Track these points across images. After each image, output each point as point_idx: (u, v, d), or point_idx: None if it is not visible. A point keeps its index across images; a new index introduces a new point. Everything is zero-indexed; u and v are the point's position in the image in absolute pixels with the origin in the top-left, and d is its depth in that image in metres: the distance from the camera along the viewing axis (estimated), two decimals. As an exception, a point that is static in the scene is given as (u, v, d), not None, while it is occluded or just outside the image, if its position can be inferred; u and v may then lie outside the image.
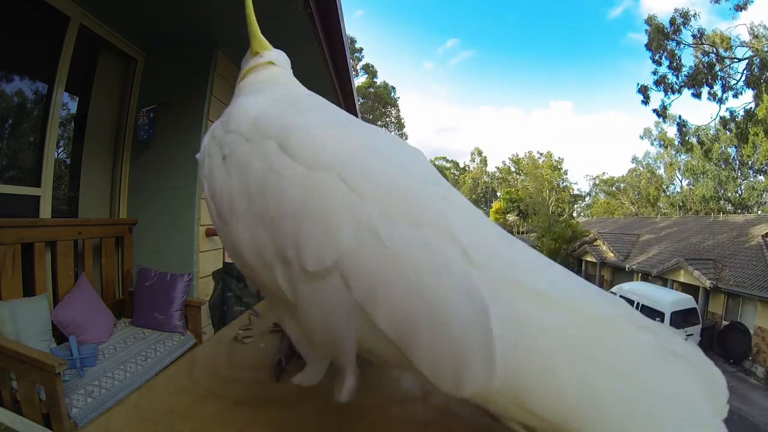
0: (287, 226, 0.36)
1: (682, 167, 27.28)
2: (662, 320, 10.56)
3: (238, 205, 0.41)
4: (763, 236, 12.27)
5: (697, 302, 11.10)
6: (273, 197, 0.38)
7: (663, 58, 16.19)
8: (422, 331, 0.29)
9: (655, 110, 17.19)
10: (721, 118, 16.42)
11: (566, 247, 20.38)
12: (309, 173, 0.37)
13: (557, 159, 36.32)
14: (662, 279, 13.30)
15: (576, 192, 37.92)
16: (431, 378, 0.29)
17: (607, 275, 17.41)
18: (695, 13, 15.61)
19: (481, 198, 42.09)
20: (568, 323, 0.28)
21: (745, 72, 14.92)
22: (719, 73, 15.38)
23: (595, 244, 18.34)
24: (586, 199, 39.38)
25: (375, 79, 30.14)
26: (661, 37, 15.90)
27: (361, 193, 0.34)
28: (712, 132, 18.14)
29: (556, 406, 0.25)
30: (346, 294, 0.32)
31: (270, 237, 0.38)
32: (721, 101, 15.56)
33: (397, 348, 0.30)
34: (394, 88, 31.80)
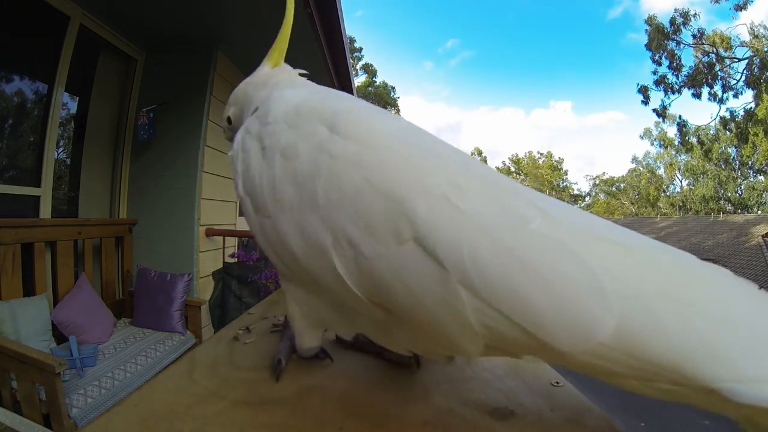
0: (348, 207, 0.35)
1: (682, 167, 27.28)
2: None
3: (284, 193, 0.39)
4: (763, 236, 12.27)
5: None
6: (327, 179, 0.36)
7: (663, 58, 16.20)
8: (522, 289, 0.28)
9: (655, 110, 17.20)
10: (721, 118, 16.43)
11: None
12: (365, 151, 0.36)
13: (557, 159, 36.38)
14: (662, 279, 13.29)
15: (576, 192, 37.96)
16: (540, 336, 0.28)
17: (607, 275, 17.39)
18: (695, 13, 15.63)
19: (481, 198, 41.94)
20: (656, 272, 0.28)
21: (745, 72, 14.92)
22: (719, 73, 15.38)
23: (595, 244, 18.29)
24: (586, 199, 39.38)
25: (375, 79, 30.16)
26: (661, 37, 15.91)
27: (423, 166, 0.34)
28: (712, 132, 18.16)
29: (668, 351, 0.25)
30: (430, 264, 0.31)
31: (324, 221, 0.36)
32: (721, 101, 15.56)
33: (492, 309, 0.29)
34: (393, 88, 31.77)
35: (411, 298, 0.32)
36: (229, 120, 0.60)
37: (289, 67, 0.60)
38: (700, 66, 15.75)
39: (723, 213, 19.96)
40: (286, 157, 0.40)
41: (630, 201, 34.01)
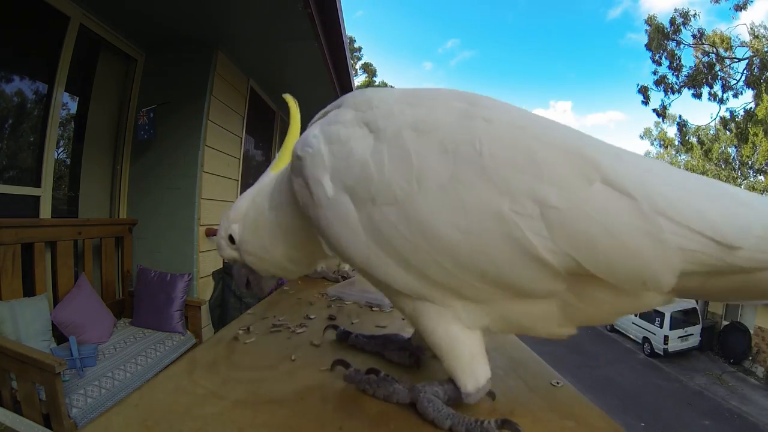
0: (525, 162, 0.34)
1: (682, 167, 27.29)
2: (662, 320, 10.56)
3: (427, 168, 0.36)
4: (763, 236, 12.24)
5: (697, 302, 11.09)
6: (490, 141, 0.35)
7: (663, 58, 16.16)
8: (701, 207, 0.34)
9: (655, 110, 17.18)
10: (721, 118, 16.41)
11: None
12: (522, 118, 0.38)
13: (557, 159, 36.21)
14: (662, 279, 13.27)
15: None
16: (723, 240, 0.33)
17: (607, 275, 17.35)
18: (695, 13, 15.60)
19: (481, 198, 41.89)
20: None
21: (745, 72, 14.90)
22: (719, 73, 15.36)
23: (595, 244, 18.25)
24: (586, 199, 39.20)
25: (374, 78, 30.16)
26: (661, 37, 15.88)
27: (570, 130, 0.38)
28: (712, 132, 18.14)
29: None
30: (622, 198, 0.33)
31: (495, 184, 0.34)
32: (721, 101, 15.54)
33: (684, 227, 0.33)
34: (393, 88, 31.79)
35: (611, 238, 0.33)
36: (231, 239, 0.55)
37: None
38: (700, 66, 15.72)
39: (723, 213, 19.81)
40: (422, 131, 0.37)
41: (630, 201, 33.88)
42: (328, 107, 0.48)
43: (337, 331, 0.64)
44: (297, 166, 0.44)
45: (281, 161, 0.55)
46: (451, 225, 0.35)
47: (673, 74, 16.14)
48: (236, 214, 0.54)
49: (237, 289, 3.12)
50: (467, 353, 0.40)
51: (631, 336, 11.98)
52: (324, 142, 0.41)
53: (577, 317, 0.39)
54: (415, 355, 0.55)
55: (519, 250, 0.34)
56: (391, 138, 0.38)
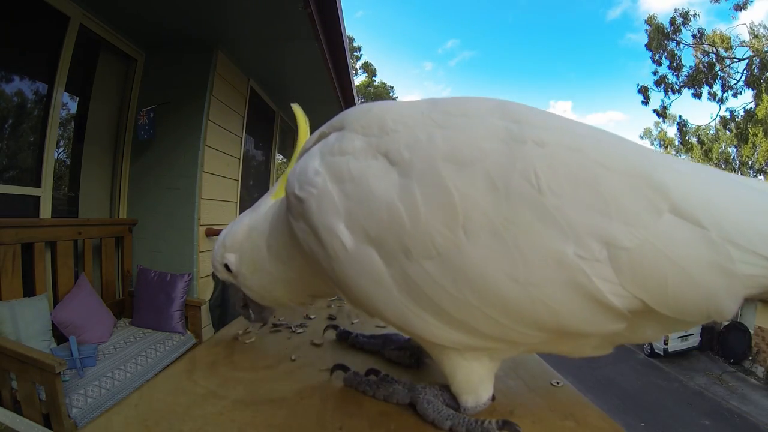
0: (589, 195, 0.30)
1: (682, 167, 27.17)
2: (662, 320, 10.56)
3: (474, 209, 0.30)
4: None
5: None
6: (548, 169, 0.30)
7: (663, 58, 16.19)
8: (762, 226, 0.31)
9: (655, 110, 17.22)
10: (721, 118, 16.43)
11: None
12: (577, 137, 0.33)
13: (557, 159, 36.20)
14: (662, 279, 13.27)
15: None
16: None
17: (607, 275, 17.34)
18: (695, 13, 15.61)
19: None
20: None
21: (745, 72, 14.91)
22: (719, 73, 15.37)
23: (595, 244, 18.25)
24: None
25: (374, 78, 30.16)
26: (661, 37, 15.90)
27: (632, 145, 0.35)
28: (712, 132, 18.17)
29: None
30: (691, 229, 0.29)
31: (558, 225, 0.29)
32: (721, 101, 15.56)
33: (753, 254, 0.30)
34: (392, 88, 31.85)
35: (682, 275, 0.29)
36: (227, 267, 0.53)
37: None
38: (700, 66, 15.74)
39: (723, 213, 19.81)
40: (462, 163, 0.31)
41: (630, 201, 33.86)
42: (325, 128, 0.41)
43: (337, 331, 0.64)
44: (297, 208, 0.37)
45: (281, 189, 0.48)
46: (506, 276, 0.30)
47: (673, 74, 16.18)
48: (232, 242, 0.51)
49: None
50: (478, 378, 0.39)
51: (631, 336, 11.97)
52: (331, 180, 0.35)
53: (619, 342, 0.37)
54: (415, 355, 0.55)
55: (583, 297, 0.30)
56: (423, 173, 0.32)
